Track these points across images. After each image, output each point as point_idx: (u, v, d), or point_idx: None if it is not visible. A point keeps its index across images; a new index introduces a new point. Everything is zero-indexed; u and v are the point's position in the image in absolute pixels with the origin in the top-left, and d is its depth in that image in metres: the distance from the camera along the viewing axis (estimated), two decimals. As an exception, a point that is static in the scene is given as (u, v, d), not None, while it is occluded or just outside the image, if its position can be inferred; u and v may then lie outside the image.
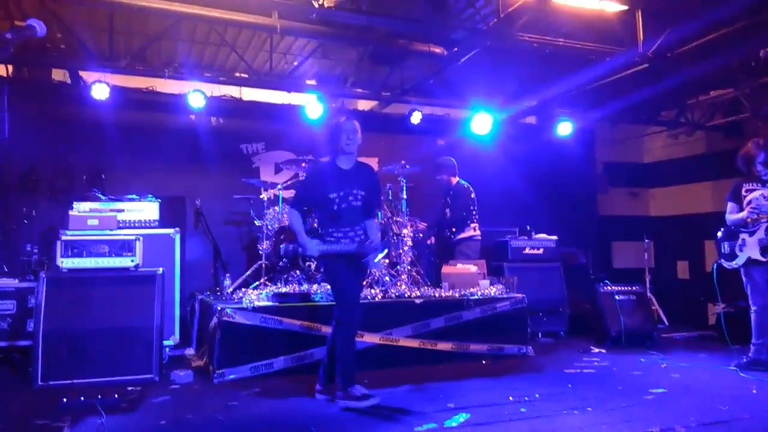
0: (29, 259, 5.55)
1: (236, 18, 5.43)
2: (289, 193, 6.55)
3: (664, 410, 3.69)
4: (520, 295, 5.58)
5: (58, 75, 6.66)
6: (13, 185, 6.33)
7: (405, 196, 6.01)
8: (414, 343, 5.02)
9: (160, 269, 4.67)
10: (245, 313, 4.63)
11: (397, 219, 5.94)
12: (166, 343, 4.95)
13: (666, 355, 5.58)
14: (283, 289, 5.06)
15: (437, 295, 5.39)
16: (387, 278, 5.56)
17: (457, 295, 5.43)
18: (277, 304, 4.81)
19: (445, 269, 5.85)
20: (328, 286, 5.04)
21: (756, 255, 4.80)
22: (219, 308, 4.61)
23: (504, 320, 5.43)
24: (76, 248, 4.51)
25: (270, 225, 5.88)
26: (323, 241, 3.95)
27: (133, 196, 5.48)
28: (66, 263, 4.47)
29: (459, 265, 5.91)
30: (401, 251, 5.80)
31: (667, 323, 7.58)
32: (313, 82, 7.33)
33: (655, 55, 5.87)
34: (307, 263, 5.56)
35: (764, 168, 4.88)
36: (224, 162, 7.16)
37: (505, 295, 5.56)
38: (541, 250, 6.88)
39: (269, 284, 5.39)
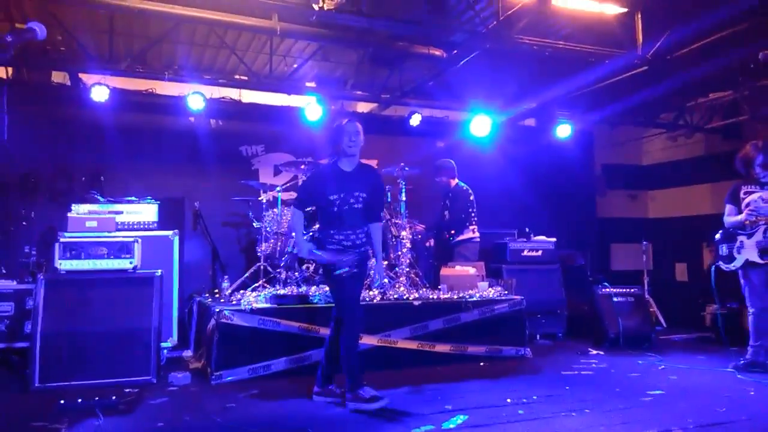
0: (28, 261, 5.56)
1: (236, 21, 5.44)
2: (289, 195, 6.57)
3: (662, 412, 3.69)
4: (518, 297, 5.59)
5: (58, 77, 6.67)
6: (13, 187, 6.34)
7: (404, 198, 6.02)
8: (412, 345, 5.02)
9: (159, 271, 4.68)
10: (243, 315, 4.63)
11: (396, 221, 5.94)
12: (164, 344, 4.94)
13: (664, 356, 5.58)
14: (282, 291, 5.06)
15: (436, 296, 5.39)
16: (386, 280, 5.56)
17: (455, 296, 5.43)
18: (275, 306, 4.81)
19: (444, 271, 5.85)
20: (327, 288, 5.05)
21: (754, 257, 4.80)
22: (217, 310, 4.61)
23: (502, 322, 5.43)
24: (75, 250, 4.52)
25: (269, 227, 5.89)
26: (325, 243, 3.94)
27: (132, 198, 5.49)
28: (64, 265, 4.48)
29: (458, 267, 5.92)
30: (400, 253, 5.81)
31: (665, 325, 7.58)
32: (312, 84, 7.35)
33: (654, 58, 5.89)
34: (305, 265, 5.57)
35: (763, 170, 4.89)
36: (223, 164, 7.17)
37: (503, 297, 5.56)
38: (539, 252, 6.88)
39: (267, 286, 5.39)
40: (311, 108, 6.81)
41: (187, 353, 5.45)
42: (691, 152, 8.77)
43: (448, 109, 8.03)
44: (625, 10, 5.69)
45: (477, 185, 6.57)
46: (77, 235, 4.61)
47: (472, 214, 6.35)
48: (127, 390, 4.10)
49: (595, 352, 5.86)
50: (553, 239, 7.04)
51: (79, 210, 5.00)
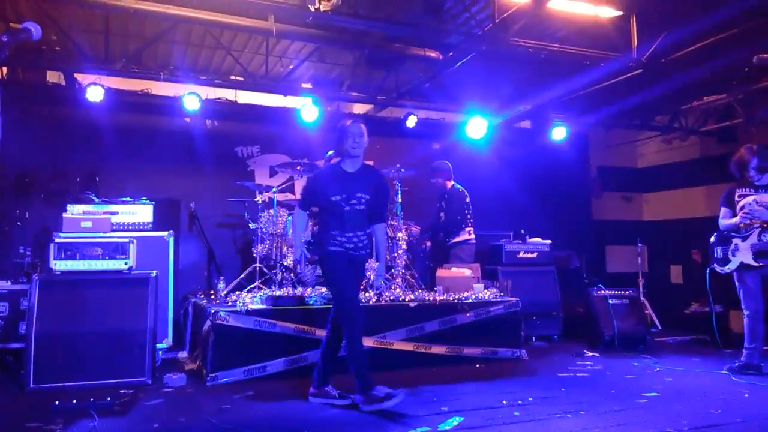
0: (22, 262, 5.53)
1: (233, 21, 5.44)
2: (284, 197, 6.56)
3: (657, 414, 3.70)
4: (514, 299, 5.60)
5: (53, 77, 6.65)
6: (7, 187, 6.31)
7: (400, 200, 6.02)
8: (408, 347, 5.02)
9: (154, 272, 4.66)
10: (239, 317, 4.61)
11: (392, 222, 5.94)
12: (159, 346, 4.94)
13: (659, 359, 5.60)
14: (277, 292, 5.05)
15: (431, 298, 5.39)
16: (382, 281, 5.55)
17: (451, 298, 5.43)
18: (270, 307, 4.81)
19: (440, 273, 5.86)
20: (323, 290, 5.05)
21: (748, 260, 4.82)
22: (212, 311, 4.59)
23: (498, 324, 5.43)
24: (70, 250, 4.49)
25: (264, 228, 5.88)
26: (327, 245, 3.93)
27: (128, 198, 5.47)
28: (59, 265, 4.45)
29: (453, 269, 5.92)
30: (396, 255, 5.81)
31: (660, 327, 7.61)
32: (308, 85, 7.34)
33: (649, 61, 5.92)
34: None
35: (757, 173, 4.92)
36: (219, 165, 7.16)
37: (499, 299, 5.56)
38: (535, 254, 6.90)
39: (263, 287, 5.38)
40: (307, 109, 6.82)
41: (183, 354, 5.43)
42: (686, 155, 8.82)
43: (444, 110, 8.04)
44: (620, 13, 5.71)
45: (473, 187, 6.58)
46: (72, 236, 4.59)
47: (468, 216, 6.35)
48: (122, 391, 4.09)
49: (590, 354, 5.88)
50: (549, 241, 7.05)
51: (74, 210, 4.98)
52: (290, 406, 3.94)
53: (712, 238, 5.14)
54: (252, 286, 5.55)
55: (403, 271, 5.81)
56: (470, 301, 5.43)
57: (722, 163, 5.42)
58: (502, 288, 5.83)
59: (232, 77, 7.01)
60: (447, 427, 3.44)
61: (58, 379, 4.17)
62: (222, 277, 5.98)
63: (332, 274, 3.96)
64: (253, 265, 5.82)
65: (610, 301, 6.25)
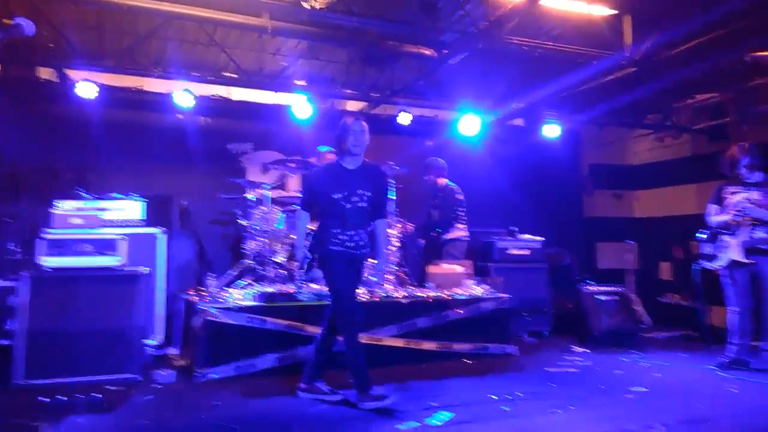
0: (12, 258, 5.50)
1: (227, 18, 5.43)
2: (277, 194, 6.54)
3: (646, 409, 3.73)
4: (505, 295, 5.61)
5: (45, 73, 6.60)
6: (-2, 183, 6.28)
7: (393, 197, 6.02)
8: (399, 343, 5.03)
9: (145, 269, 4.65)
10: (229, 313, 4.61)
11: (387, 220, 5.94)
12: (149, 342, 4.92)
13: (647, 354, 5.64)
14: (269, 289, 5.05)
15: (423, 294, 5.40)
16: (375, 278, 5.56)
17: (443, 295, 5.45)
18: (262, 303, 4.80)
19: (431, 269, 5.87)
20: (315, 286, 5.05)
21: (738, 257, 4.85)
22: (203, 308, 4.59)
23: (489, 320, 5.45)
24: (59, 247, 4.47)
25: (256, 225, 5.86)
26: (328, 243, 3.92)
27: (119, 195, 5.45)
28: (49, 262, 4.43)
29: (445, 266, 5.94)
30: (389, 251, 5.81)
31: (649, 323, 7.63)
32: (302, 82, 7.32)
33: (642, 59, 5.93)
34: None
35: (748, 171, 4.95)
36: (212, 162, 7.13)
37: (490, 296, 5.58)
38: (526, 251, 6.92)
39: (254, 284, 5.38)
40: (301, 106, 6.80)
41: (173, 351, 5.42)
42: (678, 153, 8.84)
43: (438, 108, 8.04)
44: (614, 11, 5.73)
45: (465, 184, 6.59)
46: (62, 232, 4.57)
47: (461, 213, 6.37)
48: (112, 388, 4.09)
49: (580, 349, 5.90)
50: (541, 238, 7.08)
51: (63, 207, 4.93)
52: (280, 402, 3.95)
53: (702, 235, 5.16)
54: (243, 282, 5.54)
55: (396, 267, 5.81)
56: (462, 297, 5.44)
57: (714, 160, 5.45)
58: (493, 284, 5.84)
59: (226, 74, 6.98)
60: (436, 423, 3.45)
61: (47, 375, 4.15)
62: (213, 274, 5.97)
63: (333, 274, 3.95)
64: (245, 262, 5.82)
65: (600, 298, 6.27)
